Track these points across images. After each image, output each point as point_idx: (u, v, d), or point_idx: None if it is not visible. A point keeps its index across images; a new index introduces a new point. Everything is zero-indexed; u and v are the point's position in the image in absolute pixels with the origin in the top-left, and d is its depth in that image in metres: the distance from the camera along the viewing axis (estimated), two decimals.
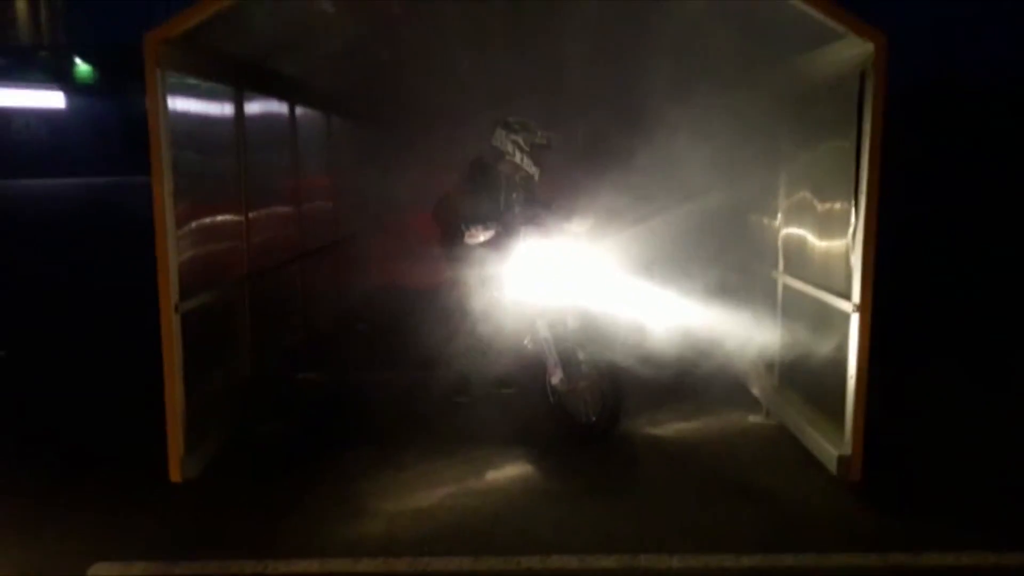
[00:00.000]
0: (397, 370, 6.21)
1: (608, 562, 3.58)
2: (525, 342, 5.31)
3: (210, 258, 4.65)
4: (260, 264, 5.38)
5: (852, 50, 4.00)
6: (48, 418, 5.47)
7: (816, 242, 4.77)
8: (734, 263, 6.09)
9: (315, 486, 4.35)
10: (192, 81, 4.28)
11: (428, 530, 3.88)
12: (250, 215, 5.19)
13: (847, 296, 4.16)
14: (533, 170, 5.14)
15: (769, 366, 5.50)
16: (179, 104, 4.13)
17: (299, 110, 6.23)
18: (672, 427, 5.23)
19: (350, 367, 6.53)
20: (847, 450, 4.15)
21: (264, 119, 5.57)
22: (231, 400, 4.92)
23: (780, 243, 5.35)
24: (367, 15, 5.41)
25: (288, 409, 5.54)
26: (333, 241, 7.43)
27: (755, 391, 5.66)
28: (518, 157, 5.11)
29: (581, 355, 5.04)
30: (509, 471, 4.60)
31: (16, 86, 33.39)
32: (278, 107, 5.90)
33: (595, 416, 4.99)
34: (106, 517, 3.97)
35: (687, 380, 5.69)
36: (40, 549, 3.67)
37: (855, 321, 4.07)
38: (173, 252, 3.98)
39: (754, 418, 5.37)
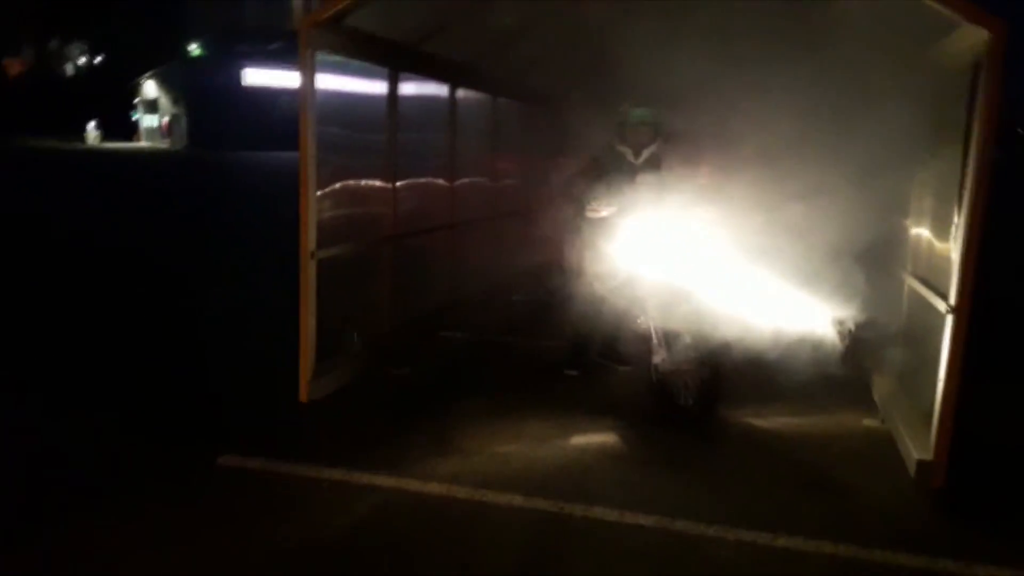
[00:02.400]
0: (530, 337, 6.67)
1: (646, 520, 3.78)
2: (637, 320, 5.56)
3: (353, 218, 5.36)
4: (404, 229, 6.03)
5: (967, 40, 3.84)
6: None
7: (935, 242, 4.57)
8: (867, 263, 5.86)
9: (420, 421, 4.93)
10: (344, 61, 4.98)
11: (498, 471, 4.29)
12: (397, 184, 5.85)
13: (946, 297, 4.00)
14: (635, 154, 5.36)
15: (890, 369, 5.29)
16: (333, 83, 4.87)
17: (460, 92, 6.84)
18: (776, 420, 5.20)
19: (490, 331, 7.09)
20: (928, 455, 4.00)
21: (419, 99, 6.24)
22: (368, 343, 5.62)
23: (910, 243, 5.13)
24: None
25: (425, 360, 6.19)
26: (489, 216, 7.98)
27: (876, 395, 5.46)
28: (626, 139, 5.37)
29: (687, 338, 5.19)
30: (593, 436, 4.88)
31: (288, 68, 37.73)
32: (436, 88, 6.54)
33: (692, 400, 5.12)
34: (242, 423, 4.81)
35: (811, 379, 5.61)
36: (182, 444, 4.54)
37: (949, 322, 3.91)
38: (313, 209, 4.69)
39: (869, 422, 5.19)
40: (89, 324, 7.17)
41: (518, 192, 8.55)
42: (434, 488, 4.06)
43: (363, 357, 5.50)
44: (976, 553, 3.53)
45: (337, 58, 4.91)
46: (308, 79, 4.57)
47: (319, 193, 4.82)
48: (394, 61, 5.63)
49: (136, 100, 59.02)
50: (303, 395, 4.84)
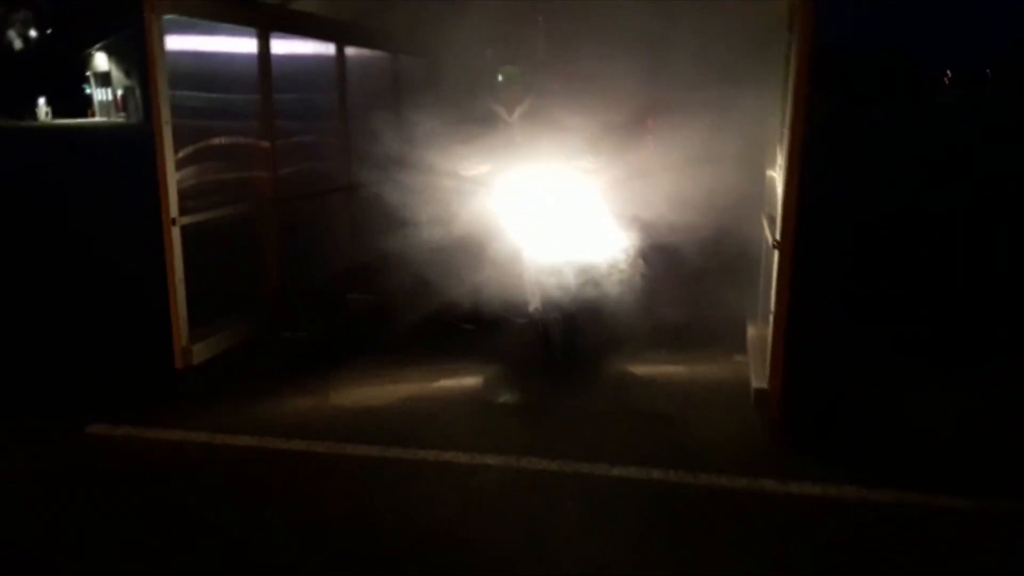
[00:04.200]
0: (435, 295, 6.76)
1: (493, 460, 3.93)
2: (522, 273, 5.67)
3: (224, 182, 5.38)
4: (289, 191, 6.06)
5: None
6: None
7: (775, 183, 4.68)
8: (738, 212, 6.00)
9: (301, 381, 5.04)
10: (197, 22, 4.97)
11: (364, 423, 4.42)
12: (278, 147, 5.87)
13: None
14: (509, 112, 5.41)
15: (755, 305, 5.45)
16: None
17: (350, 50, 6.81)
18: (651, 362, 5.35)
19: (397, 291, 7.17)
20: (765, 384, 4.17)
21: (301, 59, 6.22)
22: (253, 307, 5.68)
23: (765, 186, 5.25)
24: None
25: (327, 323, 6.26)
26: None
27: (748, 331, 5.63)
28: (497, 97, 5.42)
29: (558, 289, 5.32)
30: (468, 384, 5.02)
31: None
32: (319, 47, 6.51)
33: (563, 346, 5.27)
34: (119, 392, 4.92)
35: (698, 323, 5.80)
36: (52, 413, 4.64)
37: (776, 258, 4.05)
38: (171, 175, 4.71)
39: (740, 358, 5.37)
40: None
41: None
42: (296, 445, 4.18)
43: (249, 321, 5.57)
44: (794, 473, 3.72)
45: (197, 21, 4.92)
46: (155, 44, 4.55)
47: (181, 156, 4.84)
48: (261, 20, 5.60)
49: (88, 73, 57.73)
50: (178, 361, 4.91)
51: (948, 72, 75.11)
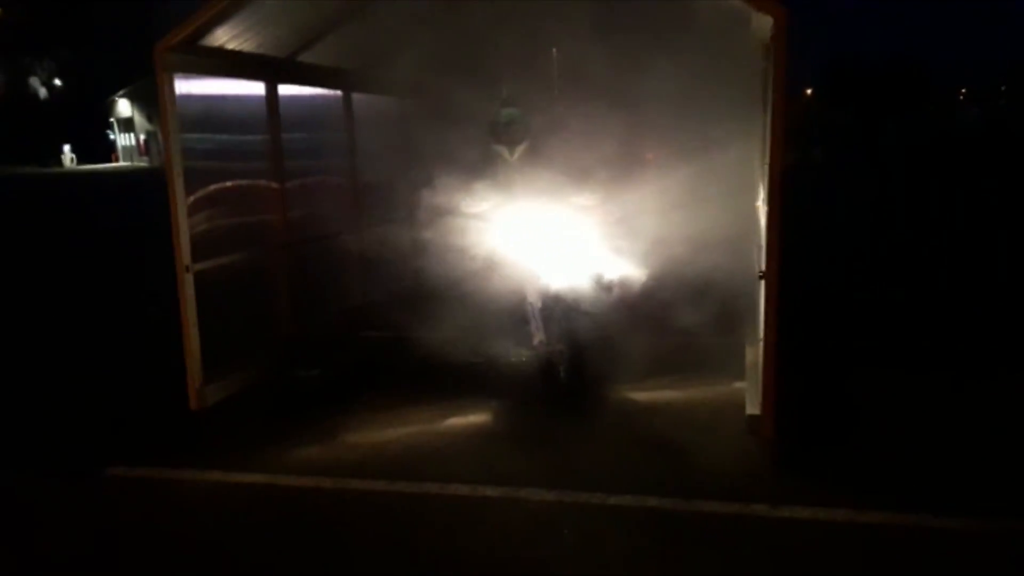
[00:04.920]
0: (443, 330, 6.91)
1: (493, 492, 4.06)
2: (525, 307, 5.83)
3: (237, 227, 5.61)
4: (301, 234, 6.28)
5: (762, 25, 4.08)
6: None
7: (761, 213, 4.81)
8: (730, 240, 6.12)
9: (313, 419, 5.19)
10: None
11: (372, 459, 4.56)
12: (288, 191, 6.10)
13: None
14: (509, 151, 5.60)
15: (755, 332, 5.55)
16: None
17: (356, 97, 7.07)
18: (652, 389, 5.46)
19: (409, 327, 7.34)
20: (757, 410, 4.27)
21: (310, 107, 6.48)
22: (267, 347, 5.88)
23: (759, 219, 5.37)
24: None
25: (340, 360, 6.43)
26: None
27: (747, 358, 5.72)
28: (499, 138, 5.62)
29: (562, 321, 5.48)
30: (472, 418, 5.15)
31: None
32: (326, 95, 6.77)
33: (566, 376, 5.41)
34: (136, 434, 5.10)
35: (703, 350, 5.90)
36: (73, 455, 4.83)
37: (762, 287, 4.17)
38: (184, 223, 4.93)
39: (739, 384, 5.47)
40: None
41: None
42: (305, 482, 4.33)
43: (262, 362, 5.75)
44: (786, 497, 3.81)
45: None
46: (168, 101, 4.82)
47: (191, 202, 5.07)
48: (268, 74, 5.86)
49: (111, 119, 59.13)
50: (193, 403, 5.10)
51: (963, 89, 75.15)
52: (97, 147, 56.61)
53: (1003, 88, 70.31)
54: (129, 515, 4.06)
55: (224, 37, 5.27)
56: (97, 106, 57.98)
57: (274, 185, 6.04)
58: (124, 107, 58.51)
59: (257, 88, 5.87)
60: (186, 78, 4.97)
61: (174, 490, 4.33)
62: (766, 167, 4.08)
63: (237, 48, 5.44)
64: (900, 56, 60.67)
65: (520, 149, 5.77)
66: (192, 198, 5.07)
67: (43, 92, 61.37)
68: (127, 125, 58.90)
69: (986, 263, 9.40)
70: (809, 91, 53.99)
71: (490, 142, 5.81)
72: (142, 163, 54.37)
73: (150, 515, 4.06)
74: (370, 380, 5.97)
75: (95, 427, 5.29)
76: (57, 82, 60.95)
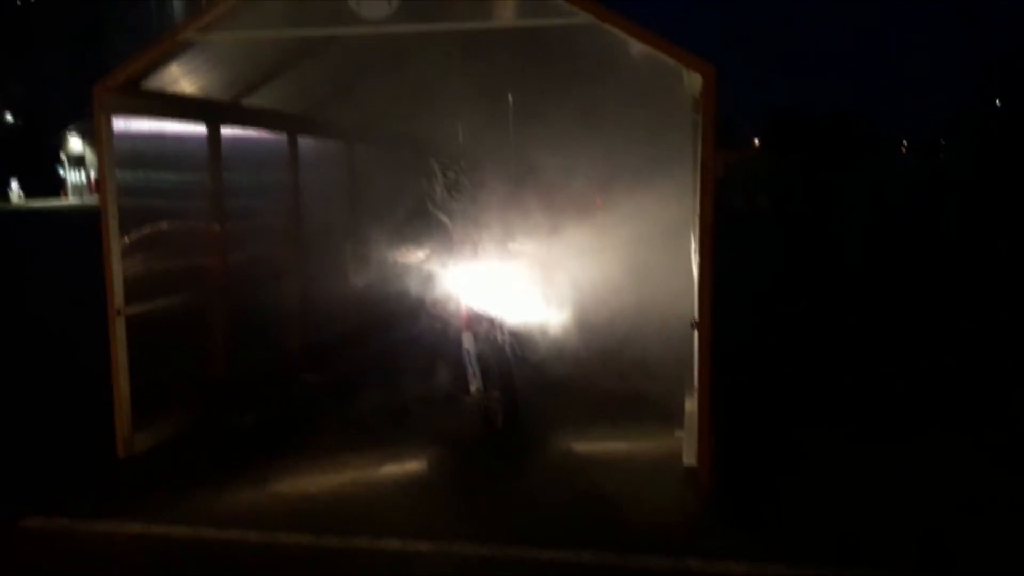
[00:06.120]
0: (383, 374, 6.83)
1: (426, 546, 3.97)
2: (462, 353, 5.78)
3: (174, 269, 5.50)
4: (240, 276, 6.17)
5: (694, 81, 4.19)
6: None
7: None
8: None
9: (239, 467, 5.02)
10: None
11: (302, 510, 4.43)
12: (227, 229, 6.01)
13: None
14: (451, 206, 5.61)
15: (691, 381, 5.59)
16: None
17: (303, 140, 7.04)
18: (591, 437, 5.43)
19: (345, 371, 7.23)
20: (692, 461, 4.27)
21: (255, 150, 6.44)
22: (201, 392, 5.73)
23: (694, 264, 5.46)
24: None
25: (274, 405, 6.29)
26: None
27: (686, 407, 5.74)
28: (442, 194, 5.63)
29: (497, 367, 5.43)
30: (409, 467, 5.06)
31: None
32: (271, 138, 6.75)
33: (502, 423, 5.35)
34: (58, 483, 4.87)
35: (643, 397, 5.90)
36: None
37: (695, 337, 4.20)
38: (117, 264, 4.82)
39: (679, 433, 5.47)
40: None
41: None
42: (231, 534, 4.18)
43: (194, 408, 5.60)
44: (720, 551, 3.79)
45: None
46: (105, 142, 4.74)
47: (127, 242, 4.96)
48: (210, 115, 5.81)
49: (62, 155, 58.08)
50: (120, 451, 4.93)
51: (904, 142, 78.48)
52: (46, 183, 55.43)
53: (942, 142, 73.46)
54: (42, 570, 3.87)
55: (166, 79, 5.22)
56: (47, 141, 56.94)
57: (215, 226, 5.95)
58: (76, 143, 57.54)
59: (200, 129, 5.81)
60: (127, 118, 4.89)
61: (92, 543, 4.14)
62: (696, 220, 4.14)
63: (179, 91, 5.39)
64: (844, 110, 64.09)
65: (458, 204, 5.76)
66: (128, 238, 4.97)
67: None
68: (78, 162, 57.86)
69: (917, 312, 9.62)
70: (757, 141, 56.01)
71: (430, 196, 5.80)
72: (91, 201, 53.35)
73: (64, 570, 3.88)
74: (305, 426, 5.85)
75: (14, 475, 5.07)
76: (8, 116, 59.79)
